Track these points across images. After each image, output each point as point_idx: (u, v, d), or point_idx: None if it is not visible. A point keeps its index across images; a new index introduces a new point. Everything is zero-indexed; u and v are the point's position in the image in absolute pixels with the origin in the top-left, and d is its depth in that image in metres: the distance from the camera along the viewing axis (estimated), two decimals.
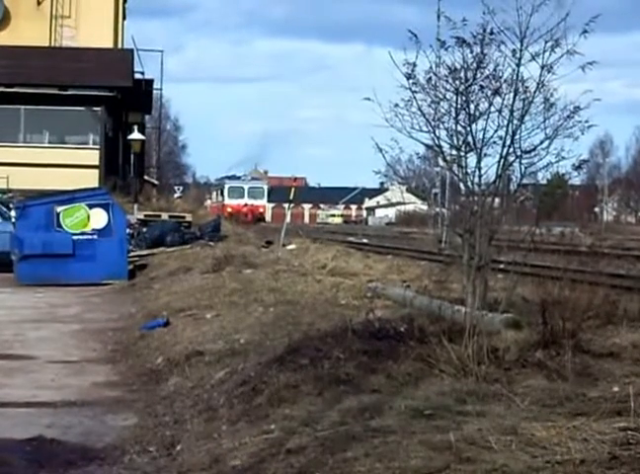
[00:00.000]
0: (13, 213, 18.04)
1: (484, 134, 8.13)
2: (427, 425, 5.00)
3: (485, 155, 8.17)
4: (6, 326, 11.22)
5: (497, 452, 4.52)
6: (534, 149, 8.12)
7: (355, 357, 6.45)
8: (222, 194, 60.69)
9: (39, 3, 31.16)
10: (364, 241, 31.09)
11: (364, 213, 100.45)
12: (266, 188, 61.08)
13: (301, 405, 5.65)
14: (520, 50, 7.96)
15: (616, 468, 4.28)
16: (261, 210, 58.81)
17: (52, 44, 31.09)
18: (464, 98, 8.12)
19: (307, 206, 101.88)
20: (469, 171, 8.21)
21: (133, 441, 5.95)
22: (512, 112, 8.07)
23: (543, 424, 4.90)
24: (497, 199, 8.47)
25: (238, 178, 64.32)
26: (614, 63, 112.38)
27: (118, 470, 5.36)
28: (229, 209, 54.65)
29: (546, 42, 7.87)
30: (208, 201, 66.81)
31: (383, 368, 6.22)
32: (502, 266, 9.00)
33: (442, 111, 8.18)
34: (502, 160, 8.15)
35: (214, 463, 5.03)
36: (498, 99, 8.09)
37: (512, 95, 8.08)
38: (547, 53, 7.90)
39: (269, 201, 64.18)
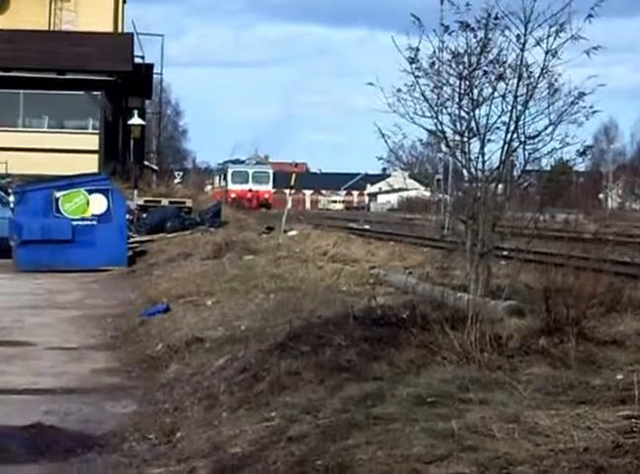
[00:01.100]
0: (12, 199, 17.97)
1: (487, 120, 8.11)
2: (429, 412, 4.97)
3: (488, 141, 8.13)
4: (5, 312, 11.18)
5: (499, 441, 4.49)
6: (538, 135, 8.07)
7: (356, 344, 6.42)
8: (225, 178, 57.68)
9: None
10: (366, 227, 31.04)
11: (366, 199, 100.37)
12: (271, 172, 57.42)
13: (302, 392, 5.61)
14: (525, 35, 7.92)
15: (620, 456, 4.26)
16: (266, 196, 55.22)
17: (52, 28, 30.97)
18: (468, 83, 8.06)
19: (308, 192, 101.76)
20: (472, 157, 8.16)
21: (133, 429, 5.92)
22: (516, 97, 8.02)
23: (546, 412, 4.87)
24: (500, 186, 8.41)
25: (242, 162, 60.97)
26: (620, 48, 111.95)
27: (117, 457, 5.32)
28: (233, 195, 52.53)
29: (551, 27, 7.82)
30: (209, 187, 65.63)
31: (385, 355, 6.19)
32: (505, 252, 8.96)
33: (446, 96, 8.13)
34: (505, 146, 8.09)
35: (214, 450, 5.00)
36: (502, 84, 8.05)
37: (516, 80, 8.03)
38: (552, 38, 7.86)
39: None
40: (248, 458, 4.70)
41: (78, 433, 5.89)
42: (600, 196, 74.67)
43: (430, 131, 8.49)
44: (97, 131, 29.31)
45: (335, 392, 5.51)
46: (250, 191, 54.63)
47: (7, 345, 9.07)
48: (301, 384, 5.77)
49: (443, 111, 8.15)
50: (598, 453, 4.27)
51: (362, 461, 4.34)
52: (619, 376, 5.70)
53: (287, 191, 25.49)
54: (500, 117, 8.06)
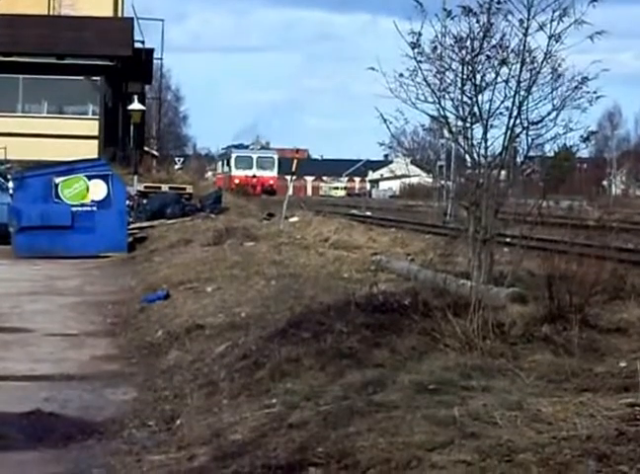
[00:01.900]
0: (11, 185, 17.92)
1: (490, 105, 8.05)
2: (431, 399, 4.94)
3: (491, 126, 8.07)
4: (3, 298, 11.14)
5: (502, 428, 4.47)
6: (542, 120, 8.01)
7: (358, 331, 6.39)
8: (229, 164, 55.33)
9: None
10: (368, 214, 30.98)
11: (368, 186, 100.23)
12: (276, 158, 55.28)
13: (303, 379, 5.59)
14: (528, 20, 7.86)
15: (623, 444, 4.24)
16: (271, 182, 52.96)
17: (51, 13, 30.81)
18: (470, 68, 8.01)
19: (310, 179, 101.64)
20: (475, 143, 8.10)
21: (133, 416, 5.89)
22: (519, 82, 7.96)
23: (549, 399, 4.85)
24: (503, 172, 8.36)
25: (246, 147, 58.98)
26: (624, 34, 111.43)
27: (117, 444, 5.30)
28: (237, 181, 50.53)
29: (554, 12, 7.76)
30: (210, 173, 65.13)
31: (387, 342, 6.16)
32: (508, 239, 8.92)
33: (448, 81, 8.09)
34: (508, 132, 8.04)
35: (215, 437, 4.98)
36: (505, 69, 8.00)
37: (519, 65, 7.97)
38: (555, 23, 7.80)
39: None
40: (248, 445, 4.68)
41: (77, 419, 5.87)
42: (604, 182, 74.50)
43: (432, 117, 8.44)
44: (96, 117, 29.22)
45: (336, 379, 5.48)
46: (254, 176, 52.83)
47: (6, 331, 9.04)
48: (302, 371, 5.74)
49: (446, 96, 8.11)
50: (600, 441, 4.25)
51: (364, 448, 4.32)
52: (622, 364, 5.68)
53: (289, 177, 25.41)
54: (503, 102, 8.02)
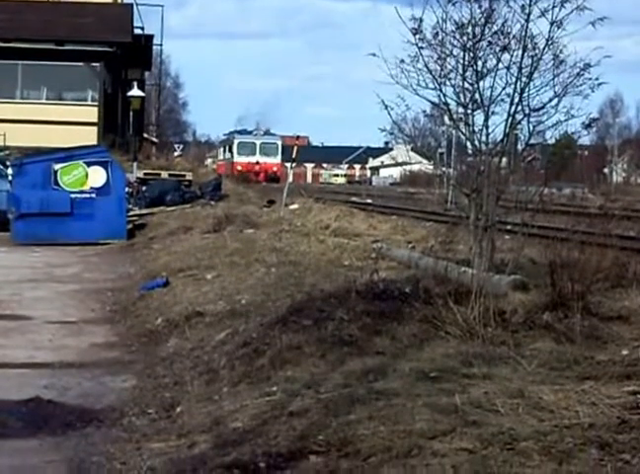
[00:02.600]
0: (10, 171, 17.87)
1: (492, 92, 8.01)
2: (432, 387, 4.93)
3: (493, 113, 8.02)
4: (2, 286, 11.12)
5: (504, 416, 4.46)
6: (543, 107, 7.97)
7: (359, 319, 6.37)
8: (231, 150, 53.30)
9: None
10: (368, 201, 30.91)
11: (368, 173, 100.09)
12: (280, 143, 53.07)
13: (304, 367, 5.57)
14: (530, 6, 7.82)
15: (626, 432, 4.24)
16: (274, 169, 50.87)
17: None
18: (472, 54, 7.97)
19: (310, 166, 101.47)
20: (476, 129, 8.06)
21: (132, 403, 5.87)
22: (520, 69, 7.92)
23: (551, 387, 4.84)
24: (504, 159, 8.32)
25: (249, 133, 56.06)
26: (626, 21, 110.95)
27: (116, 432, 5.28)
28: (239, 168, 49.02)
29: None
30: (209, 160, 64.52)
31: (388, 330, 6.14)
32: (509, 227, 8.89)
33: (449, 67, 8.04)
34: (510, 118, 7.99)
35: (215, 425, 4.96)
36: (506, 55, 7.96)
37: (520, 51, 7.93)
38: (557, 9, 7.75)
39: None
40: (249, 433, 4.66)
41: (77, 407, 5.85)
42: (605, 170, 74.37)
43: (433, 103, 8.39)
44: (96, 103, 29.12)
45: (337, 367, 5.46)
46: (257, 163, 50.97)
47: (5, 318, 9.01)
48: (303, 359, 5.72)
49: (447, 82, 8.06)
50: (603, 429, 4.25)
51: (365, 436, 4.31)
52: (625, 352, 5.66)
53: (289, 164, 25.34)
54: (504, 88, 7.98)
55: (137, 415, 5.61)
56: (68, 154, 17.32)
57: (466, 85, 8.03)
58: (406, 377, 5.14)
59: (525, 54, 7.92)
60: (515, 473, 3.85)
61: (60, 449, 5.04)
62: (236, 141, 53.23)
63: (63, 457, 4.90)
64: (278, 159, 52.16)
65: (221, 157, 58.52)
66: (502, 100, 8.01)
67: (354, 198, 32.62)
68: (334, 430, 4.42)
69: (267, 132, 56.40)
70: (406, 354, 5.65)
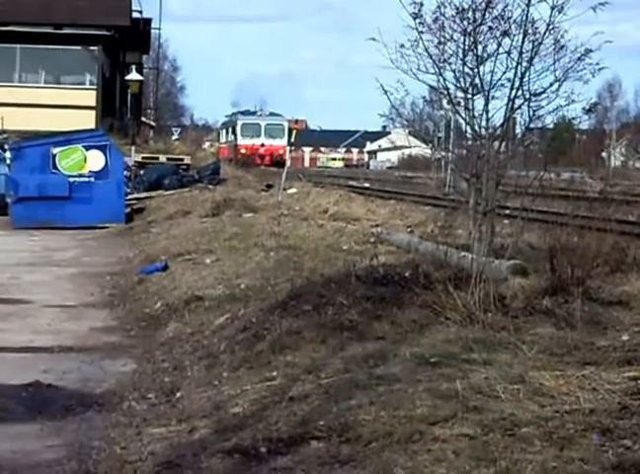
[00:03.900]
0: (8, 155, 17.81)
1: (492, 76, 7.96)
2: (432, 373, 4.92)
3: (493, 98, 7.98)
4: (1, 269, 11.10)
5: (504, 402, 4.45)
6: (544, 92, 7.93)
7: (358, 304, 6.36)
8: (234, 132, 48.98)
9: None
10: (366, 185, 30.85)
11: (366, 157, 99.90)
12: (286, 125, 48.63)
13: (304, 352, 5.56)
14: None
15: (627, 418, 4.24)
16: (281, 152, 45.45)
17: None
18: (472, 39, 7.92)
19: (308, 150, 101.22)
20: (476, 114, 8.02)
21: (132, 388, 5.87)
22: (521, 53, 7.87)
23: (552, 373, 4.83)
24: (504, 144, 8.29)
25: (253, 113, 51.62)
26: (626, 5, 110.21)
27: (116, 417, 5.27)
28: (243, 151, 45.36)
29: None
30: (207, 144, 63.51)
31: (388, 315, 6.13)
32: (508, 211, 8.87)
33: (450, 52, 7.99)
34: (510, 103, 7.96)
35: (215, 410, 4.95)
36: (507, 40, 7.91)
37: (521, 36, 7.87)
38: None
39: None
40: (249, 418, 4.65)
41: (77, 391, 5.84)
42: (604, 154, 74.21)
43: (433, 88, 8.35)
44: (94, 87, 28.99)
45: (337, 352, 5.45)
46: (262, 146, 46.66)
47: (4, 302, 8.99)
48: (303, 344, 5.71)
49: (447, 67, 8.02)
50: (604, 415, 4.25)
51: (365, 422, 4.30)
52: (625, 337, 5.65)
53: (287, 148, 25.22)
54: (504, 73, 7.93)
55: (137, 399, 5.60)
56: (67, 138, 17.26)
57: (466, 70, 7.99)
58: (406, 363, 5.13)
59: (526, 39, 7.87)
60: (516, 459, 3.84)
61: (61, 434, 5.04)
62: (240, 122, 48.95)
63: (63, 442, 4.90)
64: (284, 141, 47.44)
65: (223, 140, 54.05)
66: (502, 84, 7.98)
67: (352, 182, 32.57)
68: (335, 415, 4.42)
69: (272, 113, 51.98)
70: (406, 339, 5.64)
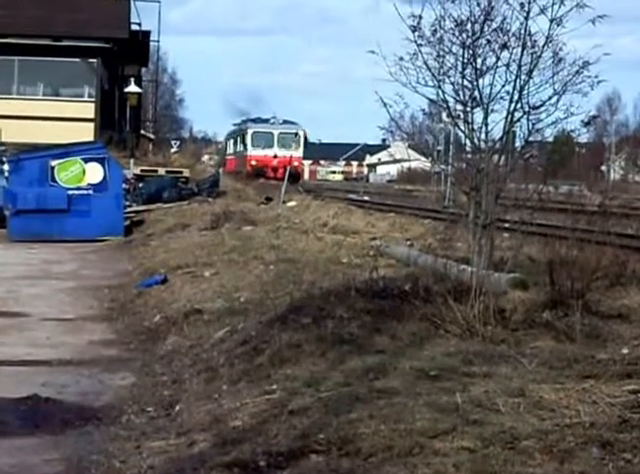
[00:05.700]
0: (6, 167, 17.80)
1: (491, 89, 7.98)
2: (432, 386, 4.92)
3: (492, 111, 8.00)
4: None
5: (504, 415, 4.45)
6: (543, 105, 7.94)
7: (358, 317, 6.35)
8: (243, 141, 43.95)
9: None
10: (366, 198, 30.88)
11: (366, 170, 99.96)
12: (302, 133, 43.08)
13: (304, 365, 5.54)
14: (529, 3, 7.78)
15: (627, 431, 4.23)
16: (296, 164, 38.54)
17: None
18: (471, 52, 7.95)
19: (307, 163, 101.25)
20: (476, 127, 8.04)
21: (131, 401, 5.85)
22: (520, 66, 7.90)
23: (552, 386, 4.83)
24: (503, 157, 8.30)
25: (265, 121, 44.86)
26: (625, 18, 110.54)
27: (115, 430, 5.25)
28: (253, 162, 41.23)
29: None
30: (206, 157, 62.90)
31: (388, 328, 6.12)
32: (507, 225, 8.88)
33: (449, 65, 8.01)
34: (509, 116, 7.98)
35: (215, 424, 4.94)
36: (505, 53, 7.93)
37: (520, 49, 7.89)
38: (556, 6, 7.71)
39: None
40: (249, 432, 4.64)
41: (75, 405, 5.82)
42: (603, 167, 74.38)
43: (432, 101, 8.37)
44: (93, 99, 29.03)
45: (337, 365, 5.44)
46: (275, 157, 41.52)
47: (2, 315, 8.98)
48: (302, 357, 5.70)
49: (446, 80, 8.04)
50: (604, 428, 4.24)
51: (365, 435, 4.29)
52: (625, 350, 5.65)
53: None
54: (504, 86, 7.95)
55: (136, 413, 5.58)
56: (65, 150, 17.27)
57: (465, 82, 8.01)
58: (406, 376, 5.12)
59: (525, 52, 7.89)
60: (516, 472, 3.84)
61: (59, 448, 5.01)
62: (250, 131, 43.37)
63: (62, 456, 4.87)
64: (299, 152, 42.39)
65: (230, 151, 48.90)
66: (501, 97, 8.00)
67: (351, 196, 32.61)
68: (334, 428, 4.41)
69: (286, 120, 45.54)
70: (406, 352, 5.64)
